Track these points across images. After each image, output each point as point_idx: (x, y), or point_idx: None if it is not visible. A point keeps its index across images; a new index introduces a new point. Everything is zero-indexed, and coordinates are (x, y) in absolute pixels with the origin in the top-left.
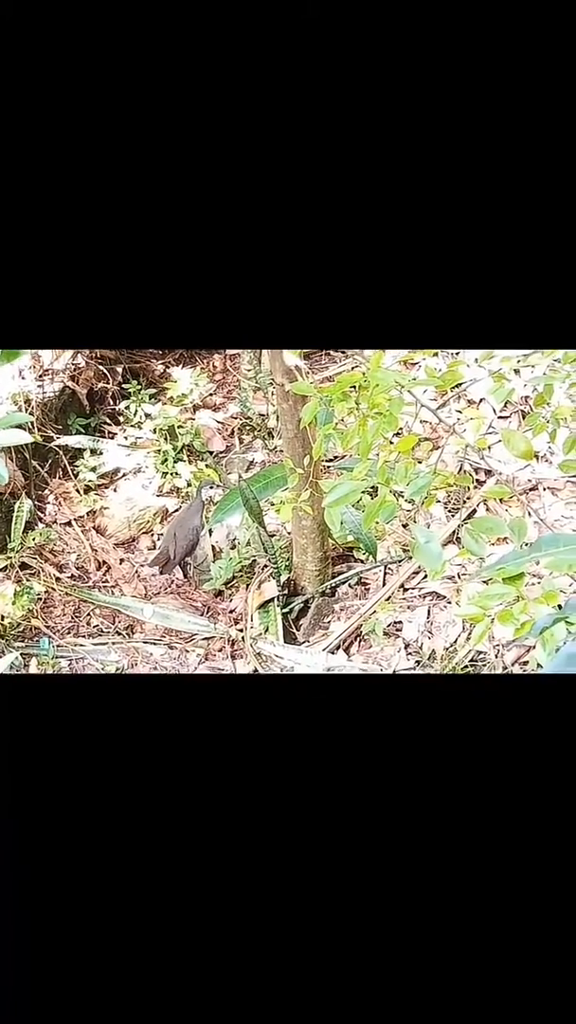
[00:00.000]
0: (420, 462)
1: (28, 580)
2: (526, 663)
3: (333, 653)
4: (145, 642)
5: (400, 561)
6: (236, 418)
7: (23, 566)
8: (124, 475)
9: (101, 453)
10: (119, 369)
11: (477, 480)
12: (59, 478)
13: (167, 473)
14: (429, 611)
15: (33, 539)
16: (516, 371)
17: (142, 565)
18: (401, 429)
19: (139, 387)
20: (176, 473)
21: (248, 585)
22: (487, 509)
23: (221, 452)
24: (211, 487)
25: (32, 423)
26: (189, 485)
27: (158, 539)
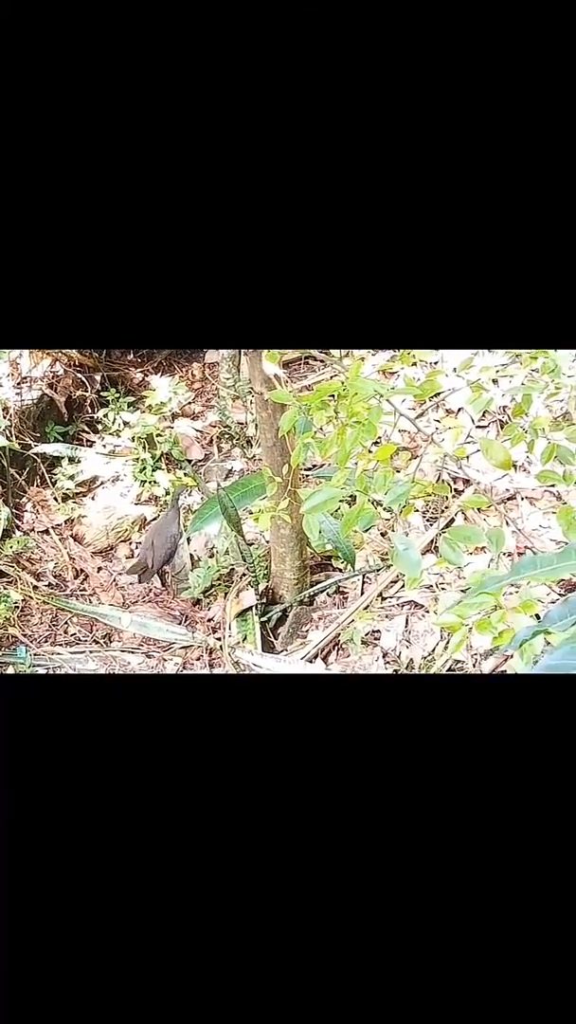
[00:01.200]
0: (398, 471)
1: (5, 588)
2: (504, 673)
3: (311, 662)
4: (123, 651)
5: (378, 570)
6: (215, 427)
7: (0, 574)
8: (102, 483)
9: (79, 461)
10: (98, 377)
11: (455, 489)
12: (37, 486)
13: (145, 481)
14: (407, 620)
15: (10, 547)
16: (495, 381)
17: (120, 574)
18: (380, 438)
19: (118, 395)
20: (154, 481)
21: (226, 594)
22: (465, 518)
23: (200, 461)
24: (187, 494)
25: (10, 430)
26: (167, 493)
27: (136, 547)
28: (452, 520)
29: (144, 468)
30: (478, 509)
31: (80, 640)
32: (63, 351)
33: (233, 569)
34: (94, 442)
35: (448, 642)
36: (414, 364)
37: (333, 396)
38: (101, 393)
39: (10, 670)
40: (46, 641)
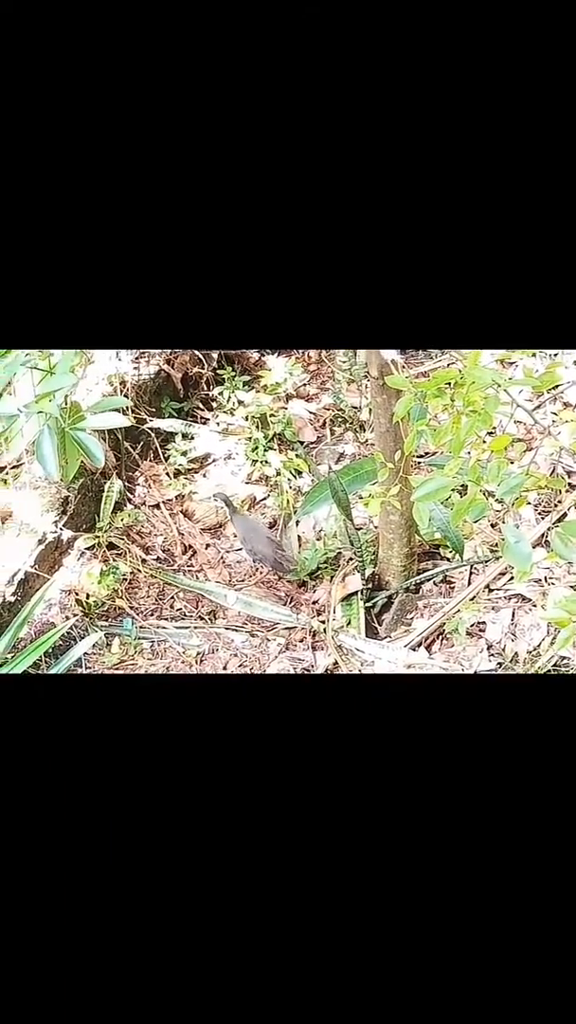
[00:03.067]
0: (512, 462)
1: (114, 560)
2: None
3: (414, 650)
4: (227, 628)
5: (487, 561)
6: (328, 409)
7: (110, 546)
8: (214, 461)
9: (193, 438)
10: (214, 355)
11: (569, 484)
12: (150, 460)
13: (257, 461)
14: (514, 613)
15: (121, 520)
16: None
17: (228, 552)
18: (495, 428)
19: (233, 374)
20: (266, 461)
21: (332, 577)
22: None
23: (312, 443)
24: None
25: (127, 405)
26: (278, 474)
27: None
28: (565, 515)
29: (256, 448)
30: None
31: (185, 615)
32: None
33: (340, 553)
34: (208, 419)
35: (555, 638)
36: (533, 355)
37: (450, 384)
38: (217, 371)
39: (116, 641)
40: (152, 614)
